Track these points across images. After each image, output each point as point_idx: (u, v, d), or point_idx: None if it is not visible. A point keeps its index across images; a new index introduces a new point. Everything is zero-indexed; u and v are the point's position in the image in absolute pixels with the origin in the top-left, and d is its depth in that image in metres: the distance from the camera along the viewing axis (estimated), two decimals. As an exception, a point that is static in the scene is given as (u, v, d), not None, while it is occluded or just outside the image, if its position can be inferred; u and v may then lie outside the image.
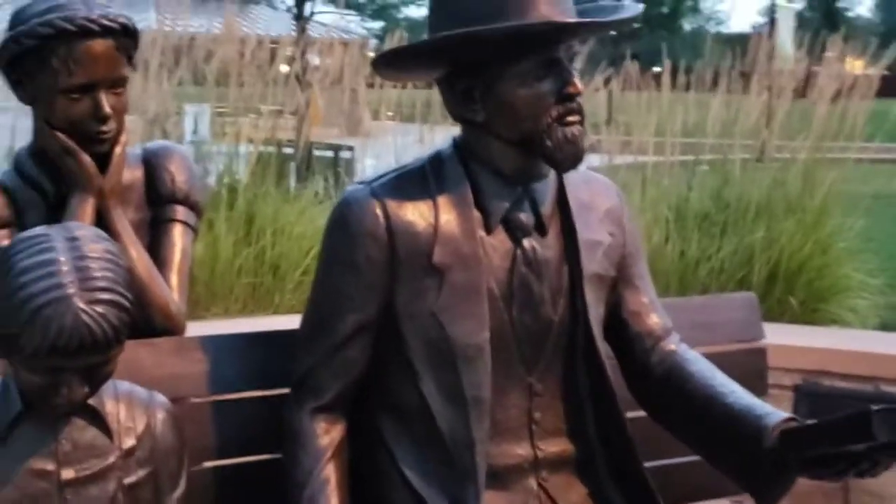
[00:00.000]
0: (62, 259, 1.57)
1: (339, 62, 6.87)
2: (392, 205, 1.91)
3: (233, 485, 2.09)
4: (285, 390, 2.03)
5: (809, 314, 5.04)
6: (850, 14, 73.46)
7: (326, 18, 15.86)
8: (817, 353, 4.29)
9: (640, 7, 2.00)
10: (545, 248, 1.97)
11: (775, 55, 6.25)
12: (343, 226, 1.94)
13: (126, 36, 2.11)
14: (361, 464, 1.98)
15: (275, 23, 16.40)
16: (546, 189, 1.98)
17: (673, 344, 2.11)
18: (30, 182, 2.20)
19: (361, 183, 1.99)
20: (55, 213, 2.11)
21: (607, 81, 6.23)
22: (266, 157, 5.77)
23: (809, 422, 1.82)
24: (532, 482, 1.97)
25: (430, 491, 1.90)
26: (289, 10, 14.72)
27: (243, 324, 4.68)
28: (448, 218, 1.92)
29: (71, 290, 1.55)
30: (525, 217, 1.95)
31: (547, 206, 1.98)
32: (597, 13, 1.96)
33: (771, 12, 21.20)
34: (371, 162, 7.72)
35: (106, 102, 2.09)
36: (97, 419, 1.71)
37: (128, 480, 1.72)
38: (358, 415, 2.00)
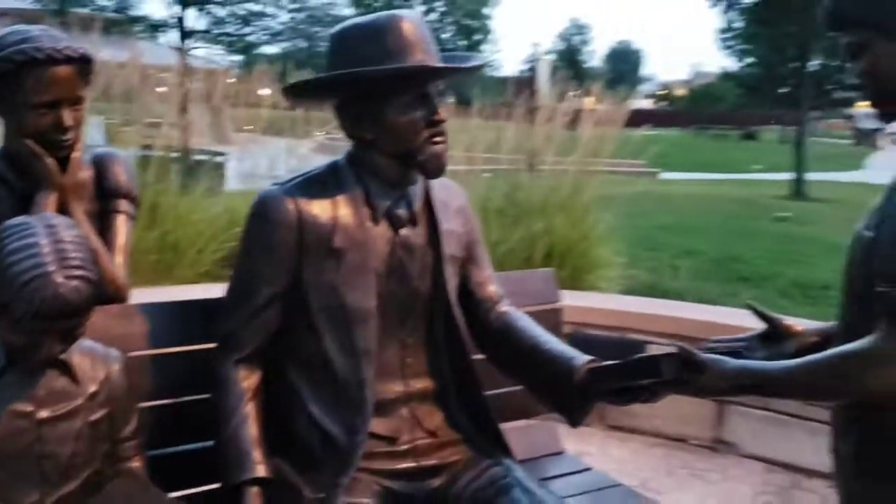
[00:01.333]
0: (43, 243, 1.50)
1: (209, 86, 6.73)
2: (302, 201, 1.88)
3: (167, 420, 2.02)
4: (207, 346, 1.97)
5: (575, 283, 5.21)
6: (587, 65, 76.28)
7: (200, 52, 15.40)
8: (582, 311, 4.45)
9: (487, 59, 2.02)
10: (416, 236, 1.97)
11: (538, 94, 6.41)
12: (262, 217, 1.89)
13: (84, 63, 2.00)
14: (274, 403, 1.93)
15: (156, 54, 15.79)
16: (417, 191, 1.98)
17: (505, 307, 2.15)
18: (1, 179, 2.07)
19: (275, 184, 1.95)
20: (22, 205, 2.00)
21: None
22: (159, 160, 5.55)
23: (611, 362, 1.85)
24: (405, 411, 1.97)
25: (329, 420, 1.88)
26: (175, 46, 14.26)
27: (150, 292, 4.50)
28: (345, 212, 1.89)
29: (51, 268, 1.48)
30: (402, 212, 1.95)
31: (418, 204, 1.98)
32: (456, 61, 1.97)
33: (534, 62, 21.77)
34: (236, 164, 7.50)
35: (67, 117, 1.99)
36: (67, 370, 1.63)
37: (91, 418, 1.66)
38: (271, 365, 1.95)
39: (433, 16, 43.51)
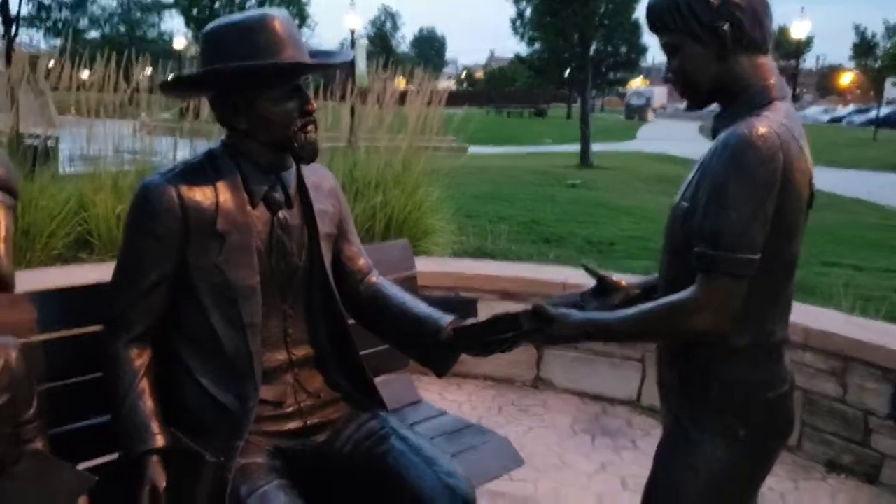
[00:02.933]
0: None
1: (33, 70, 6.25)
2: (183, 188, 1.82)
3: (63, 399, 1.92)
4: (92, 329, 1.89)
5: (412, 250, 5.27)
6: (398, 50, 76.36)
7: (24, 38, 14.17)
8: (420, 274, 4.51)
9: (351, 55, 2.02)
10: (292, 216, 1.96)
11: (357, 76, 6.37)
12: (146, 205, 1.82)
13: None
14: (167, 378, 1.88)
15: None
16: (291, 175, 1.96)
17: (375, 277, 2.17)
18: None
19: (157, 174, 1.87)
20: None
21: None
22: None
23: (474, 320, 1.91)
24: (289, 377, 1.97)
25: (220, 391, 1.86)
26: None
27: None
28: (225, 197, 1.86)
29: None
30: (278, 195, 1.93)
31: (292, 188, 1.96)
32: (323, 57, 1.96)
33: (352, 45, 21.51)
34: (66, 145, 6.98)
35: None
36: None
37: None
38: (162, 342, 1.89)
39: (252, 2, 42.04)
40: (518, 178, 14.61)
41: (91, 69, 5.88)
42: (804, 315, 3.74)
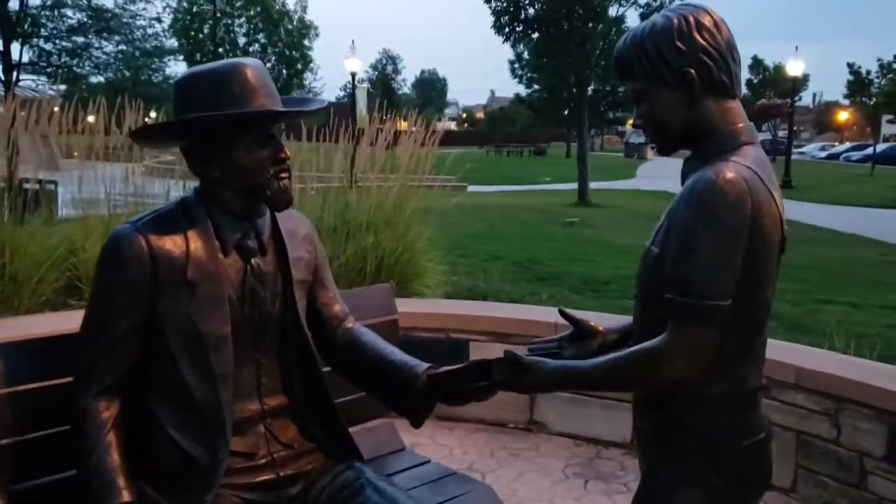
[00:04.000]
0: None
1: (34, 115, 6.27)
2: (153, 237, 1.79)
3: (29, 454, 1.87)
4: (63, 380, 1.85)
5: (403, 291, 5.22)
6: (399, 92, 77.10)
7: (23, 83, 14.31)
8: (410, 315, 4.46)
9: (325, 102, 2.01)
10: (266, 263, 1.93)
11: (358, 119, 6.40)
12: (115, 254, 1.79)
13: None
14: (135, 430, 1.83)
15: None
16: (264, 222, 1.94)
17: (350, 323, 2.14)
18: None
19: (127, 223, 1.84)
20: None
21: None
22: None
23: (447, 368, 1.86)
24: (261, 427, 1.92)
25: (190, 443, 1.81)
26: (-2, 79, 13.18)
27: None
28: (196, 245, 1.83)
29: None
30: (251, 243, 1.90)
31: (266, 235, 1.93)
32: (295, 104, 1.95)
33: (352, 88, 21.72)
34: (65, 191, 7.00)
35: None
36: None
37: None
38: (130, 393, 1.84)
39: (255, 47, 42.54)
40: (515, 216, 14.65)
41: (95, 113, 5.90)
42: (796, 354, 3.69)
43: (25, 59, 13.68)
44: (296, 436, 1.97)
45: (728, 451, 1.58)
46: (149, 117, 6.77)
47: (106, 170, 5.78)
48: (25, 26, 13.44)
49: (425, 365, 1.98)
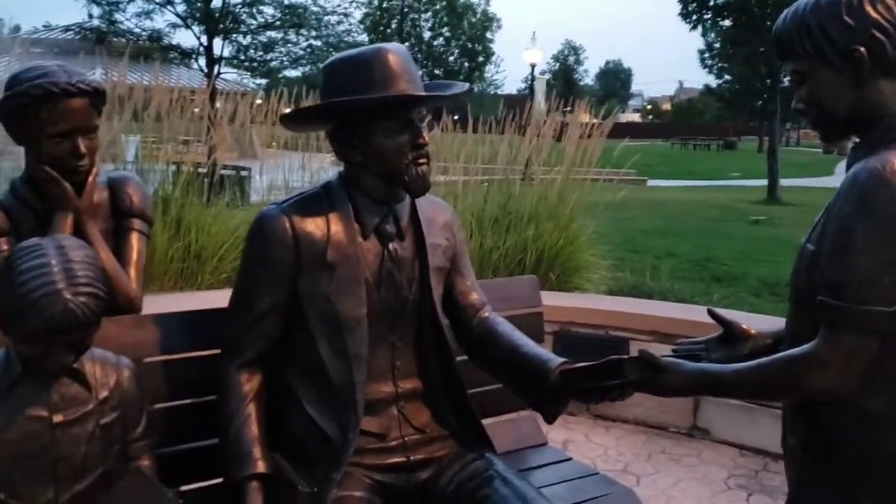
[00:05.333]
0: (53, 262, 1.47)
1: (237, 107, 6.73)
2: (297, 219, 1.85)
3: (178, 419, 1.99)
4: (212, 352, 1.94)
5: (562, 285, 5.16)
6: (581, 83, 76.05)
7: (228, 77, 15.41)
8: (568, 310, 4.42)
9: (467, 86, 1.99)
10: (403, 249, 1.94)
11: (534, 111, 6.34)
12: (261, 234, 1.87)
13: (97, 95, 1.98)
14: (275, 404, 1.91)
15: (190, 78, 15.78)
16: (403, 208, 1.96)
17: (487, 312, 2.12)
18: (23, 201, 2.04)
19: (274, 204, 1.92)
20: (42, 225, 1.97)
21: (431, 127, 6.24)
22: (188, 176, 5.52)
23: (580, 364, 1.81)
24: (394, 409, 1.94)
25: (324, 419, 1.86)
26: (201, 69, 14.21)
27: (176, 297, 4.50)
28: (336, 228, 1.87)
29: (60, 286, 1.46)
30: (390, 227, 1.92)
31: (404, 220, 1.95)
32: (438, 88, 1.95)
33: (532, 80, 21.70)
34: (264, 177, 7.48)
35: (82, 145, 1.97)
36: (79, 377, 1.61)
37: (103, 421, 1.63)
38: (273, 369, 1.92)
39: (440, 40, 43.47)
40: (696, 212, 14.04)
41: (291, 105, 6.28)
42: None
43: (226, 53, 14.75)
44: (428, 421, 1.98)
45: (884, 474, 1.41)
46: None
47: (293, 159, 6.13)
48: (227, 22, 14.46)
49: (559, 360, 1.92)
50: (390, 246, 1.92)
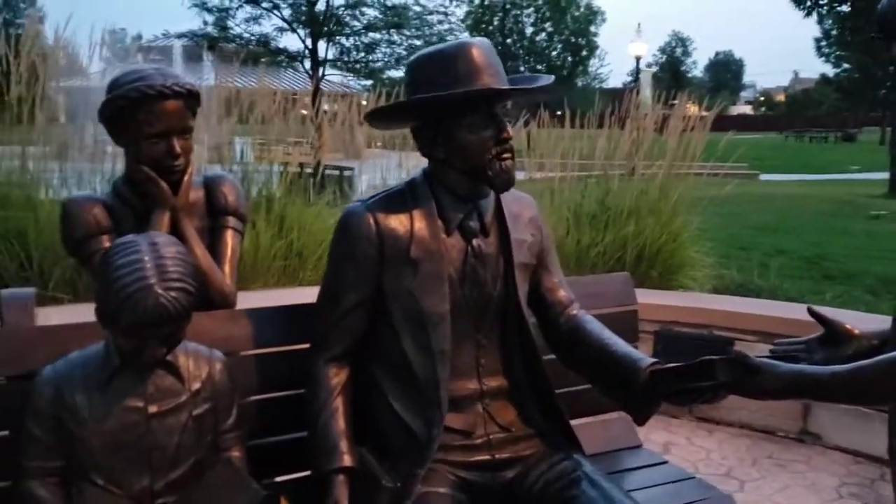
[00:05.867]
0: (146, 259, 1.53)
1: (341, 108, 6.87)
2: (381, 216, 1.86)
3: (269, 412, 2.04)
4: (304, 346, 1.97)
5: (665, 283, 5.03)
6: (689, 75, 73.85)
7: (333, 79, 15.78)
8: (670, 309, 4.30)
9: (552, 78, 1.95)
10: (487, 245, 1.93)
11: (639, 103, 6.18)
12: (346, 231, 1.89)
13: (191, 97, 2.04)
14: (361, 399, 1.93)
15: (296, 81, 16.25)
16: (488, 203, 1.94)
17: (575, 310, 2.08)
18: (124, 200, 2.13)
19: (359, 201, 1.94)
20: (142, 223, 2.05)
21: (527, 122, 6.18)
22: (292, 176, 5.67)
23: (670, 365, 1.74)
24: (479, 407, 1.93)
25: (409, 415, 1.86)
26: (306, 72, 14.60)
27: (279, 293, 4.63)
28: (420, 225, 1.87)
29: (152, 281, 1.51)
30: (473, 224, 1.91)
31: (488, 216, 1.93)
32: (523, 82, 1.92)
33: (637, 73, 21.25)
34: (366, 177, 7.61)
35: (177, 145, 2.04)
36: (172, 370, 1.67)
37: (195, 412, 1.68)
38: (359, 365, 1.94)
39: (542, 35, 43.14)
40: (809, 207, 13.41)
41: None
42: None
43: (330, 55, 15.11)
44: (514, 419, 1.96)
45: None
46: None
47: (391, 158, 6.21)
48: (331, 25, 14.80)
49: (650, 360, 1.87)
50: (474, 242, 1.91)
